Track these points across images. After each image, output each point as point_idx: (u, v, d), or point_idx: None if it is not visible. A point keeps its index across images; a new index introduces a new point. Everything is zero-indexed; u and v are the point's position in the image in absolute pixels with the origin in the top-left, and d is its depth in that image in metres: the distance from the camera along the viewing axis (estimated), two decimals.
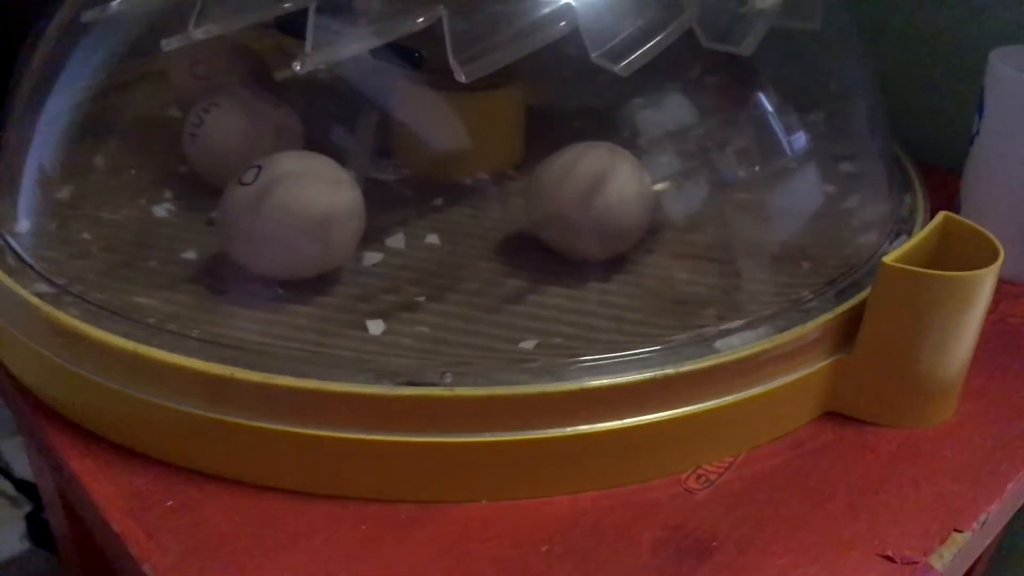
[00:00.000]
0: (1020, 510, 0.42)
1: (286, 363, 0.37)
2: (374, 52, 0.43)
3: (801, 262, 0.47)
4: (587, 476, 0.38)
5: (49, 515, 0.65)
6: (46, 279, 0.43)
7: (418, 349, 0.41)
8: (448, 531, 0.37)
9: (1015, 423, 0.43)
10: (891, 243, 0.48)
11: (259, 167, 0.42)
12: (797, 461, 0.40)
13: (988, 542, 0.42)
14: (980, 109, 0.51)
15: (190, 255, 0.46)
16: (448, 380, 0.37)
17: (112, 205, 0.51)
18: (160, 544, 0.35)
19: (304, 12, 0.40)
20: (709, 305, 0.44)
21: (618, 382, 0.37)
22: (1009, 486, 0.39)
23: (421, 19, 0.40)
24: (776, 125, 0.47)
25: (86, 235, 0.48)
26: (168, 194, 0.52)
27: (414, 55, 0.48)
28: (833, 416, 0.43)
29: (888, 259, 0.39)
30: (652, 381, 0.37)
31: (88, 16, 0.46)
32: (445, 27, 0.39)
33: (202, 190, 0.50)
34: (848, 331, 0.41)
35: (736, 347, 0.39)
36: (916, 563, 0.35)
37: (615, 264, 0.46)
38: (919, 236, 0.41)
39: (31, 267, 0.44)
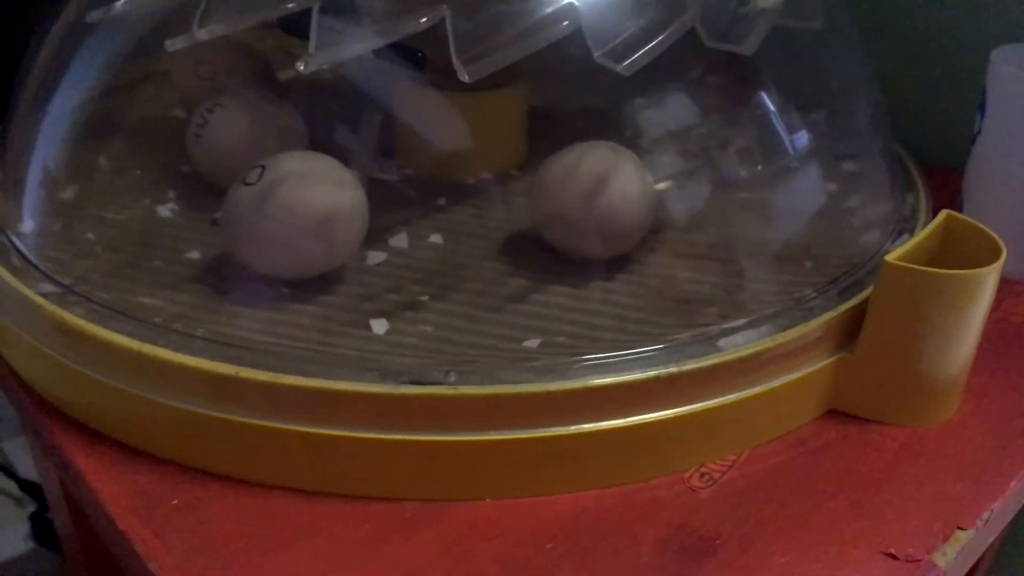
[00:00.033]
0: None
1: (290, 362, 0.37)
2: (377, 52, 0.43)
3: (803, 261, 0.47)
4: (591, 474, 0.39)
5: (53, 515, 0.65)
6: (51, 279, 0.43)
7: (422, 348, 0.41)
8: (452, 529, 0.37)
9: (1018, 421, 0.43)
10: (893, 242, 0.48)
11: (263, 167, 0.42)
12: (800, 459, 0.40)
13: (991, 539, 0.42)
14: (982, 108, 0.51)
15: (194, 255, 0.46)
16: (452, 379, 0.37)
17: (116, 205, 0.51)
18: (165, 543, 0.35)
19: (307, 12, 0.40)
20: (712, 304, 0.44)
21: (621, 381, 0.37)
22: (1012, 484, 0.39)
23: (424, 19, 0.40)
24: (778, 124, 0.47)
25: (90, 235, 0.48)
26: (172, 194, 0.52)
27: (417, 55, 0.48)
28: (836, 414, 0.43)
29: (891, 257, 0.39)
30: (655, 380, 0.38)
31: (92, 16, 0.46)
32: (448, 27, 0.39)
33: (206, 190, 0.50)
34: (851, 330, 0.42)
35: (739, 346, 0.39)
36: (919, 561, 0.35)
37: (618, 263, 0.46)
38: (921, 235, 0.41)
39: (36, 267, 0.44)
